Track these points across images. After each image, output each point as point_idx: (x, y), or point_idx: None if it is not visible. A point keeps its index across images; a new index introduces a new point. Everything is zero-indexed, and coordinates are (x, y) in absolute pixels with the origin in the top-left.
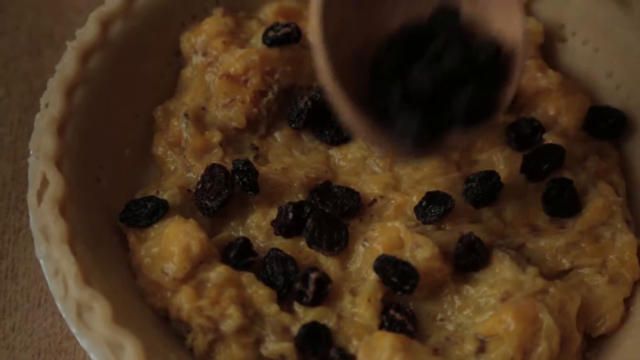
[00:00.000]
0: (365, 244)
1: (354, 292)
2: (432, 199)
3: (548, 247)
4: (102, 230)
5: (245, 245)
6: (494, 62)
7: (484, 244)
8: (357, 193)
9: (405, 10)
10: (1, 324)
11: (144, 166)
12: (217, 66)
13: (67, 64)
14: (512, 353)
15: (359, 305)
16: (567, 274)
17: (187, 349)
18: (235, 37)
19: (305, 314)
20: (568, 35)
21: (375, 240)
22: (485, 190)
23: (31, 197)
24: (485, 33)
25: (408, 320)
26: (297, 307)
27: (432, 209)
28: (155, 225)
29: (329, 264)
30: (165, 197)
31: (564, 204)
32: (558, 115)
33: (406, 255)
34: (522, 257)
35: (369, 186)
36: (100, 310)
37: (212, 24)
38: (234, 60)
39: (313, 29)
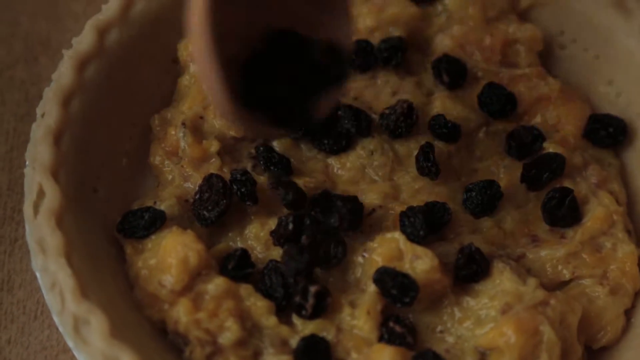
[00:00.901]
0: (365, 255)
1: (353, 304)
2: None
3: (548, 257)
4: (98, 242)
5: (244, 256)
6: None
7: (485, 255)
8: (361, 203)
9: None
10: None
11: (141, 176)
12: None
13: (63, 73)
14: None
15: (358, 318)
16: (568, 284)
17: None
18: None
19: (304, 327)
20: (568, 42)
21: (375, 251)
22: (485, 199)
23: (27, 208)
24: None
25: (408, 333)
26: (295, 319)
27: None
28: (153, 237)
29: (328, 276)
30: (162, 207)
31: (564, 213)
32: (558, 123)
33: (406, 266)
34: (523, 268)
35: (368, 195)
36: (97, 325)
37: None
38: None
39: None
